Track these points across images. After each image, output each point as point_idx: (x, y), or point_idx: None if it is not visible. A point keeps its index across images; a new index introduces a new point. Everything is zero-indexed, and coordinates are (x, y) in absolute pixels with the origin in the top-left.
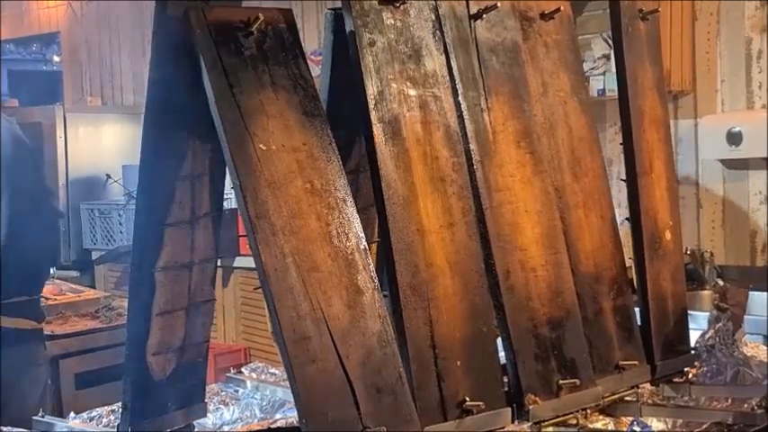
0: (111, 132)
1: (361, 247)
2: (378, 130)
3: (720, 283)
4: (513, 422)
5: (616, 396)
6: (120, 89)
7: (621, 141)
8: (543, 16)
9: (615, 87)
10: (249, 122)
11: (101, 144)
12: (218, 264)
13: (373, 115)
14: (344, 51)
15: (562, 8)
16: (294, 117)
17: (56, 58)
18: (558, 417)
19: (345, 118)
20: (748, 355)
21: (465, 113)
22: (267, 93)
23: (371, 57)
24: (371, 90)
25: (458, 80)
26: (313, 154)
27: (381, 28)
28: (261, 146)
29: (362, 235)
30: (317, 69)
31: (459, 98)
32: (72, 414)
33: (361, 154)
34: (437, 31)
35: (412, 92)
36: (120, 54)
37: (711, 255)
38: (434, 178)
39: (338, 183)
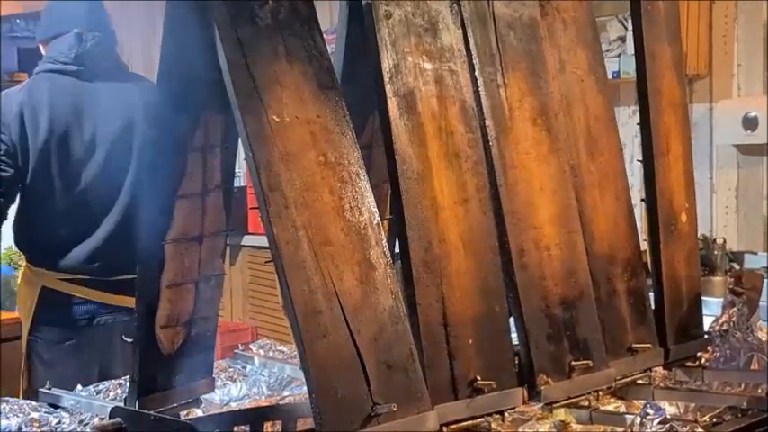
0: None
1: (374, 221)
2: (392, 104)
3: (736, 267)
4: (524, 402)
5: (628, 379)
6: (131, 66)
7: (638, 122)
8: None
9: (629, 70)
10: (263, 94)
11: None
12: (226, 241)
13: (388, 89)
14: (360, 24)
15: None
16: (308, 89)
17: None
18: (569, 398)
19: (359, 92)
20: (763, 339)
21: (481, 89)
22: (282, 64)
23: (387, 29)
24: (387, 63)
25: (474, 55)
26: (327, 126)
27: (398, 0)
28: (274, 117)
29: (375, 210)
30: (331, 48)
31: (476, 73)
32: (79, 386)
33: (374, 128)
34: (454, 5)
35: (428, 66)
36: (130, 31)
37: (724, 241)
38: (449, 154)
39: (352, 156)
